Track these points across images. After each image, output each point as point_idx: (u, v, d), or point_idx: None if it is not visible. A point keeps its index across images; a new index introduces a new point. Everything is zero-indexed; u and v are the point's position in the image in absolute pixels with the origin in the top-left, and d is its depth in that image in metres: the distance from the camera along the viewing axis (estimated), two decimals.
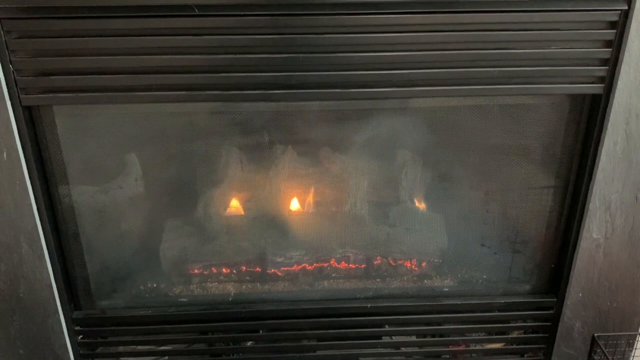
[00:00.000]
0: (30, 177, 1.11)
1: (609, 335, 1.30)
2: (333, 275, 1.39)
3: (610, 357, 1.27)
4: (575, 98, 1.15)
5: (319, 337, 1.36)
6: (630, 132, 1.12)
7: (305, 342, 1.36)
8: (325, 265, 1.38)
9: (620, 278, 1.28)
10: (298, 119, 1.23)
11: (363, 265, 1.39)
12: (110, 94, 1.06)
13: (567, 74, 1.08)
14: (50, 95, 1.06)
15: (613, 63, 1.07)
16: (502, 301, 1.34)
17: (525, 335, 1.39)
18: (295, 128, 1.25)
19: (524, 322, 1.37)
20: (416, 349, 1.38)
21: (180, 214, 1.35)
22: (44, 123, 1.11)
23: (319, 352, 1.37)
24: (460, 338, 1.38)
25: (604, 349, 1.28)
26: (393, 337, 1.37)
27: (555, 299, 1.33)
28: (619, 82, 1.07)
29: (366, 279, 1.39)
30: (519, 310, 1.35)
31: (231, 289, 1.37)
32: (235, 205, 1.37)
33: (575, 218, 1.23)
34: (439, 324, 1.37)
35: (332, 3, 1.00)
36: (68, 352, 1.29)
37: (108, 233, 1.29)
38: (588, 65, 1.08)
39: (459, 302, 1.33)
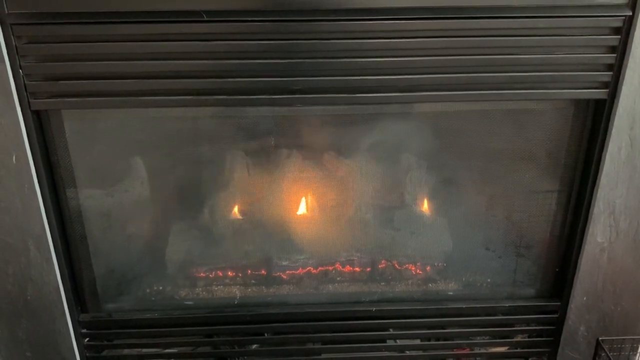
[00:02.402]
0: (38, 181, 1.11)
1: (613, 339, 1.30)
2: (338, 278, 1.39)
3: None
4: (579, 103, 1.16)
5: (324, 341, 1.36)
6: (634, 137, 1.12)
7: (310, 346, 1.37)
8: (330, 268, 1.39)
9: (624, 282, 1.28)
10: (303, 124, 1.24)
11: (368, 269, 1.39)
12: (117, 98, 1.07)
13: (572, 79, 1.09)
14: (59, 99, 1.07)
15: (617, 68, 1.07)
16: (507, 305, 1.34)
17: (530, 339, 1.39)
18: (300, 132, 1.25)
19: (528, 325, 1.38)
20: (420, 353, 1.39)
21: (186, 217, 1.36)
22: (53, 127, 1.11)
23: (324, 355, 1.37)
24: (465, 341, 1.39)
25: (608, 352, 1.28)
26: (397, 340, 1.37)
27: (559, 303, 1.33)
28: (623, 88, 1.08)
29: (371, 282, 1.39)
30: (523, 314, 1.35)
31: (236, 292, 1.38)
32: (240, 208, 1.38)
33: (580, 222, 1.23)
34: (443, 328, 1.37)
35: (337, 9, 1.01)
36: (74, 355, 1.29)
37: (114, 236, 1.29)
38: (592, 71, 1.08)
39: (463, 306, 1.33)
